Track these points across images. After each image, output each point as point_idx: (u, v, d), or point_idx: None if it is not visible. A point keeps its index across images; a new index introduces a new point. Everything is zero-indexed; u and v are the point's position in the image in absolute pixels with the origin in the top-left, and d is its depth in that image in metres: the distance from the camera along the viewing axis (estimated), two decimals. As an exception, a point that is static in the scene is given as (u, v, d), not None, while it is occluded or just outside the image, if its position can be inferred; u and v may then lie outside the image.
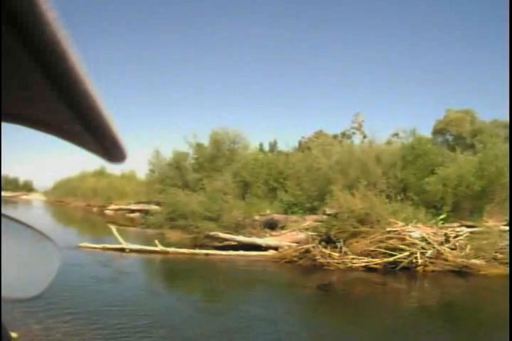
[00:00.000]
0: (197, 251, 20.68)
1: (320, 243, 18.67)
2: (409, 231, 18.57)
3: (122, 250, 21.07)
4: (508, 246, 17.60)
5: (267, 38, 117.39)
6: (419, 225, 19.48)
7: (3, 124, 0.70)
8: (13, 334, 6.26)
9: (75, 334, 9.30)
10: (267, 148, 47.48)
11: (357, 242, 18.40)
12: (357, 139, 43.84)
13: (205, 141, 39.73)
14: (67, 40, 0.46)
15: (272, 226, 24.30)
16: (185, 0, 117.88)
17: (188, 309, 12.34)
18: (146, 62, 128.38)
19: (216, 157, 37.54)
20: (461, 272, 17.30)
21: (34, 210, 56.03)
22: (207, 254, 20.44)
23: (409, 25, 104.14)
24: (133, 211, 41.99)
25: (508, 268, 16.34)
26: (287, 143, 64.36)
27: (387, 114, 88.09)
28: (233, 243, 22.04)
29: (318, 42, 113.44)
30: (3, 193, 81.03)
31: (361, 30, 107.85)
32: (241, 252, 20.30)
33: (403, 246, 17.99)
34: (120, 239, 21.64)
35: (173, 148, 42.02)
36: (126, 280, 16.02)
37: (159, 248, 20.89)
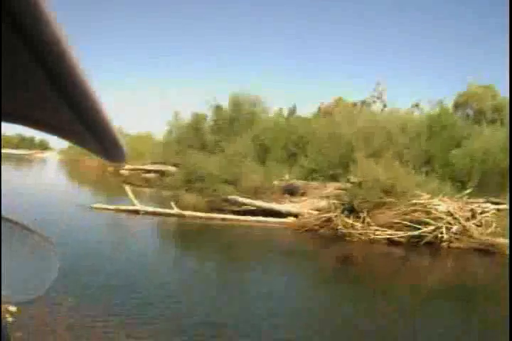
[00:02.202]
0: (214, 215, 20.25)
1: (342, 212, 18.11)
2: (435, 205, 17.98)
3: (137, 212, 20.67)
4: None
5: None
6: (445, 199, 18.85)
7: (3, 124, 0.68)
8: (13, 309, 5.93)
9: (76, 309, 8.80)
10: (285, 114, 46.90)
11: (381, 213, 17.86)
12: (377, 108, 43.41)
13: (226, 105, 39.15)
14: (67, 40, 0.46)
15: (291, 192, 23.85)
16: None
17: (199, 281, 11.85)
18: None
19: (235, 120, 37.03)
20: (487, 251, 16.71)
21: (50, 169, 56.14)
22: (224, 219, 19.97)
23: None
24: (148, 171, 41.63)
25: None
26: (307, 108, 63.77)
27: (406, 85, 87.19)
28: (251, 208, 21.53)
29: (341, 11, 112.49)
30: (17, 151, 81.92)
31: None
32: (259, 218, 19.84)
33: (428, 220, 17.40)
34: (135, 201, 21.21)
35: (193, 111, 41.61)
36: (138, 245, 15.53)
37: (175, 211, 20.44)
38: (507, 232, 16.65)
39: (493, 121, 30.58)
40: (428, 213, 17.70)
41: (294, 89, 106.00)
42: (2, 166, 40.11)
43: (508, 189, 18.62)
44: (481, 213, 18.45)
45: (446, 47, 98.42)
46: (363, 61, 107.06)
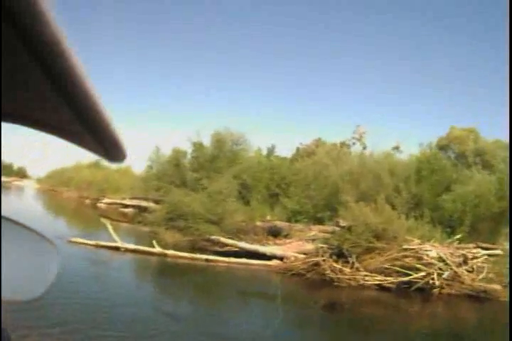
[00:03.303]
0: (197, 255, 19.60)
1: (331, 256, 17.64)
2: (426, 250, 17.61)
3: (117, 248, 20.00)
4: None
5: (272, 40, 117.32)
6: (436, 244, 18.53)
7: (3, 124, 0.70)
8: None
9: None
10: (264, 153, 46.81)
11: (371, 258, 17.45)
12: (356, 150, 43.57)
13: (208, 143, 38.89)
14: (66, 40, 0.47)
15: (274, 233, 23.44)
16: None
17: (176, 324, 11.28)
18: (151, 61, 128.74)
19: (217, 157, 36.63)
20: (479, 297, 16.31)
21: (26, 198, 55.77)
22: (207, 260, 19.34)
23: (416, 40, 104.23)
24: (126, 206, 41.05)
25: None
26: (288, 148, 64.04)
27: (385, 127, 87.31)
28: (234, 249, 20.97)
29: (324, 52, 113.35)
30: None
31: (368, 40, 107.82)
32: (244, 260, 19.18)
33: (420, 266, 17.00)
34: (115, 237, 20.62)
35: (174, 146, 41.28)
36: (117, 285, 14.92)
37: (157, 249, 19.84)
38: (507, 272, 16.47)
39: (474, 165, 30.60)
40: (419, 259, 17.30)
41: (270, 128, 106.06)
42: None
43: (508, 235, 18.38)
44: (472, 259, 18.10)
45: (427, 90, 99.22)
46: (341, 103, 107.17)
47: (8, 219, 0.94)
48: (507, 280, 16.78)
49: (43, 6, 0.41)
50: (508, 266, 16.86)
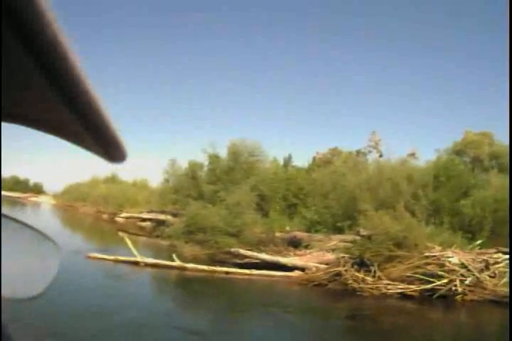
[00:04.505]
0: (217, 268, 19.56)
1: (352, 266, 17.57)
2: (447, 257, 17.51)
3: (136, 263, 19.96)
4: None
5: (284, 51, 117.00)
6: (458, 250, 18.42)
7: (3, 124, 0.70)
8: None
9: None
10: (281, 163, 46.65)
11: (393, 267, 17.36)
12: (372, 158, 43.33)
13: (224, 154, 38.79)
14: (67, 41, 0.47)
15: (294, 244, 23.37)
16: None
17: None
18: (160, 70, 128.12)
19: (233, 169, 36.53)
20: (502, 302, 16.09)
21: (44, 214, 55.76)
22: (227, 272, 19.31)
23: (431, 47, 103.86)
24: (144, 220, 41.01)
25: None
26: (300, 156, 63.93)
27: (398, 135, 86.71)
28: (254, 261, 20.84)
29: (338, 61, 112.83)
30: (11, 193, 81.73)
31: (381, 48, 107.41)
32: (264, 272, 19.11)
33: (442, 273, 16.90)
34: (135, 252, 20.51)
35: (190, 159, 41.18)
36: (139, 301, 14.80)
37: (177, 263, 19.77)
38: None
39: (491, 169, 30.43)
40: (441, 266, 17.20)
41: (285, 137, 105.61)
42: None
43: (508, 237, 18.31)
44: (494, 264, 17.97)
45: (434, 96, 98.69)
46: (354, 111, 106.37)
47: (8, 217, 0.95)
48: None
49: (43, 6, 0.41)
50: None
